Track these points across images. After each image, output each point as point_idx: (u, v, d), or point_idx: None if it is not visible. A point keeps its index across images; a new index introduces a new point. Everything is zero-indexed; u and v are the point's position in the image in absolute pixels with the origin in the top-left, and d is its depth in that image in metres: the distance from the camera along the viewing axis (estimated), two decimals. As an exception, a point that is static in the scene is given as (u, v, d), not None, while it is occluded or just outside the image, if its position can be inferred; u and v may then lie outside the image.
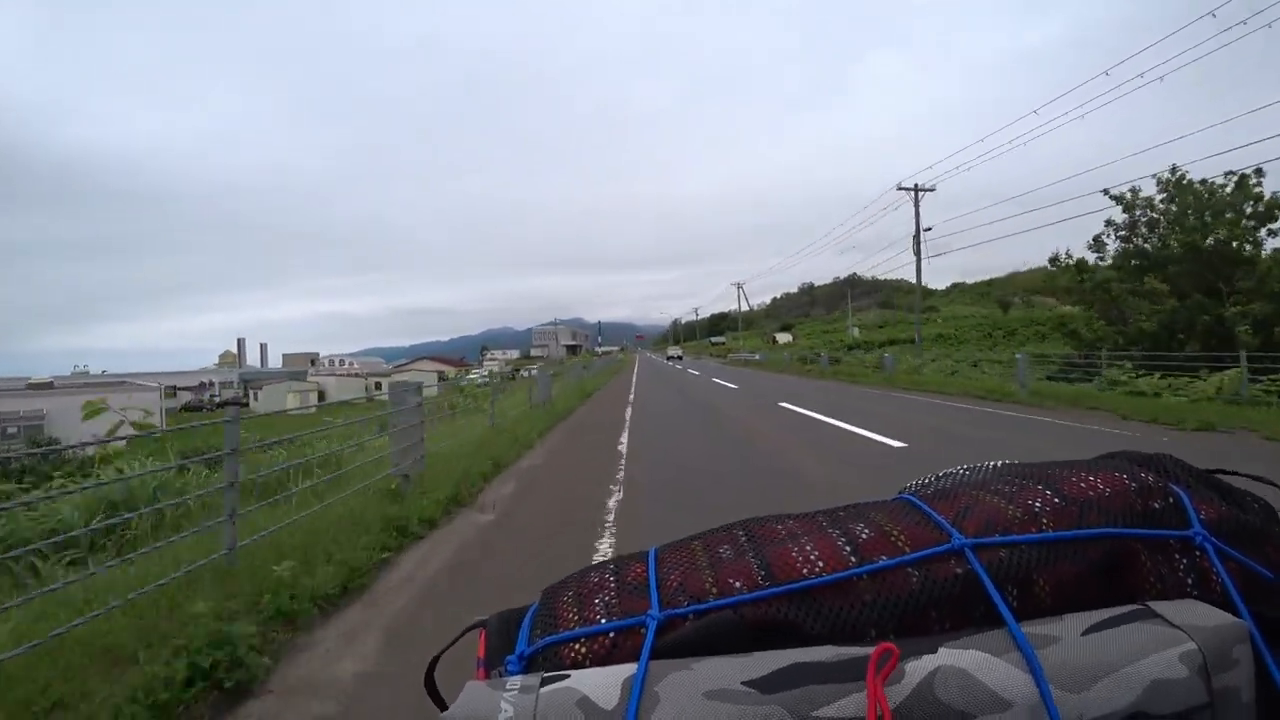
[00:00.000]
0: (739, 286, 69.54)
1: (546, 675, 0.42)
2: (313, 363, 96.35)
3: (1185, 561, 0.48)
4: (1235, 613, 0.44)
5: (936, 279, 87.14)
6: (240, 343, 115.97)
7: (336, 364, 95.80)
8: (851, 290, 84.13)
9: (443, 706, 0.44)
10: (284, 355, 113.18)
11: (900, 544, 0.48)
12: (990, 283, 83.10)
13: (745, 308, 68.95)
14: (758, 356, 32.34)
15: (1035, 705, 0.38)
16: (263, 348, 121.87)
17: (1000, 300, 69.34)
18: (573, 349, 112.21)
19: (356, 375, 69.70)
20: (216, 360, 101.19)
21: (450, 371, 68.18)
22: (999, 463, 0.61)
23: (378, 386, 49.53)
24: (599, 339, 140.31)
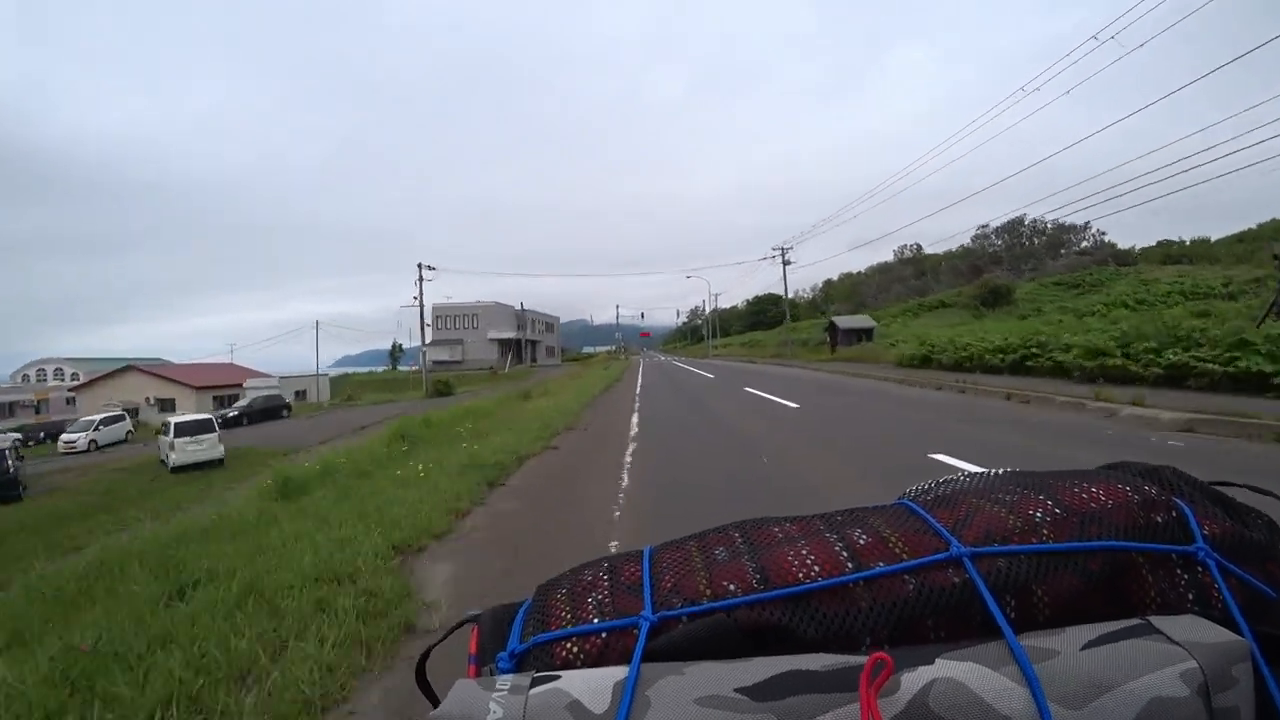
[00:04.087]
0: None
1: (537, 675, 0.42)
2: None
3: (1187, 577, 0.48)
4: (1236, 630, 0.44)
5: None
6: None
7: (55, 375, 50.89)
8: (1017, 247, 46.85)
9: (434, 702, 0.44)
10: None
11: (898, 551, 0.48)
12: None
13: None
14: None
15: None
16: None
17: None
18: (513, 346, 59.40)
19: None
20: None
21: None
22: (1001, 470, 0.60)
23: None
24: (532, 332, 65.25)
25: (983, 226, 47.48)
